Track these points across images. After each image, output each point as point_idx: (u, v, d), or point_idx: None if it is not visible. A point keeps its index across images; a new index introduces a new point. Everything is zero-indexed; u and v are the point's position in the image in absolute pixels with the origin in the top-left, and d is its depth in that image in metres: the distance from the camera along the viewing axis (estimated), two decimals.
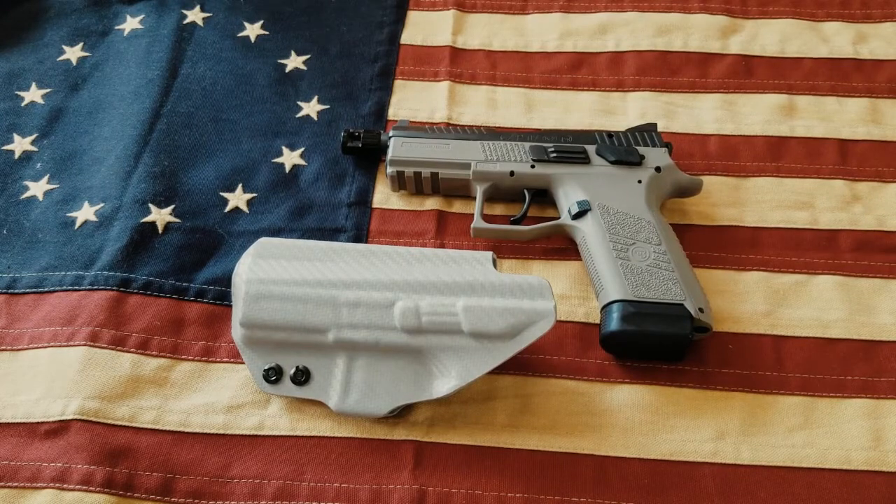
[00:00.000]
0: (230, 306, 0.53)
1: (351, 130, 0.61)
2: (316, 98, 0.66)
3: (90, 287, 0.54)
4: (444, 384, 0.46)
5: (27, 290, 0.55)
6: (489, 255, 0.49)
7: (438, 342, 0.46)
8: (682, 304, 0.49)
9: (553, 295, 0.47)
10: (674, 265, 0.50)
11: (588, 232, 0.52)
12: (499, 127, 0.63)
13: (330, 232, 0.58)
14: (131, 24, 0.71)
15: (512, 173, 0.56)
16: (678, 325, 0.48)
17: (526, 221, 0.56)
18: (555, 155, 0.56)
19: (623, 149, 0.56)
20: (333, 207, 0.59)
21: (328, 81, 0.67)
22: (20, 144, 0.64)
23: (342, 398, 0.47)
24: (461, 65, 0.68)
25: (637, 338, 0.48)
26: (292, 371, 0.48)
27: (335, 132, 0.63)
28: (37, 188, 0.61)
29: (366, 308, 0.47)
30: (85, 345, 0.51)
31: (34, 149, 0.64)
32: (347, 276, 0.48)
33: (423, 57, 0.68)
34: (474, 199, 0.57)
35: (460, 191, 0.58)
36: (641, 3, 0.72)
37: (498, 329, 0.46)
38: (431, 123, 0.64)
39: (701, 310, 0.49)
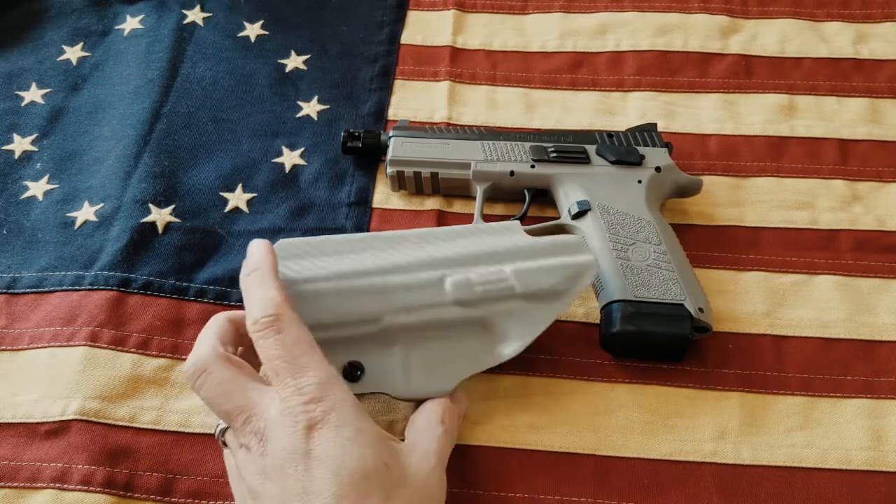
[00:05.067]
0: (230, 306, 0.53)
1: (351, 130, 0.61)
2: (316, 98, 0.66)
3: (90, 287, 0.54)
4: (506, 348, 0.46)
5: (27, 290, 0.55)
6: (517, 223, 0.49)
7: (496, 309, 0.46)
8: (681, 304, 0.49)
9: (589, 250, 0.48)
10: (674, 265, 0.50)
11: (588, 232, 0.53)
12: (499, 127, 0.63)
13: (330, 232, 0.58)
14: (131, 24, 0.71)
15: (512, 173, 0.56)
16: (678, 325, 0.48)
17: (526, 221, 0.56)
18: (555, 155, 0.56)
19: (623, 149, 0.56)
20: (333, 207, 0.59)
21: (328, 81, 0.67)
22: (20, 144, 0.64)
23: (404, 383, 0.46)
24: (461, 65, 0.68)
25: (637, 338, 0.49)
26: (343, 368, 0.45)
27: (335, 132, 0.63)
28: (37, 188, 0.61)
29: (417, 289, 0.46)
30: (85, 345, 0.51)
31: (34, 149, 0.64)
32: (387, 262, 0.47)
33: (423, 57, 0.69)
34: (474, 199, 0.57)
35: (460, 191, 0.59)
36: (641, 3, 0.72)
37: (551, 285, 0.47)
38: (431, 123, 0.64)
39: (701, 310, 0.49)
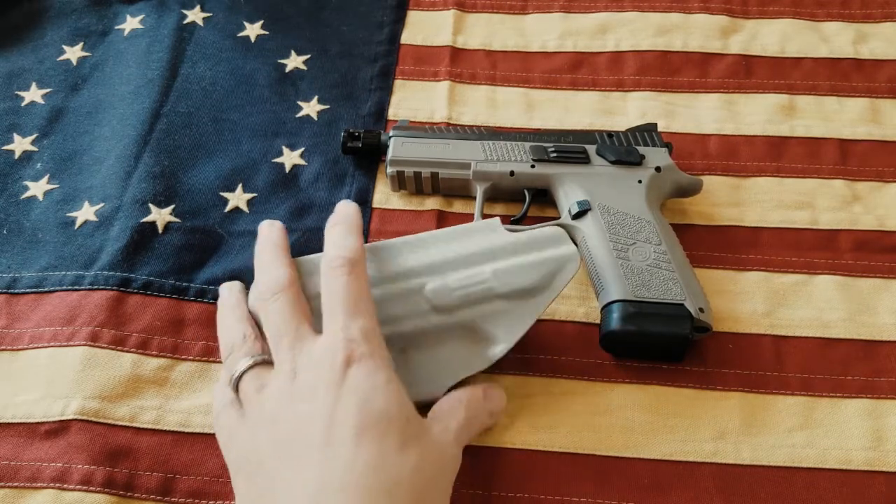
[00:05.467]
0: None
1: (351, 130, 0.61)
2: (316, 98, 0.66)
3: (90, 287, 0.54)
4: (493, 349, 0.46)
5: (27, 290, 0.55)
6: (496, 220, 0.49)
7: (477, 312, 0.46)
8: (682, 304, 0.49)
9: (571, 240, 0.48)
10: (674, 265, 0.50)
11: (588, 232, 0.53)
12: (499, 127, 0.63)
13: None
14: (131, 23, 0.71)
15: (512, 173, 0.56)
16: (678, 325, 0.48)
17: (526, 221, 0.56)
18: (555, 155, 0.56)
19: (623, 149, 0.56)
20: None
21: (328, 81, 0.67)
22: (20, 144, 0.64)
23: None
24: (461, 65, 0.68)
25: (637, 338, 0.49)
26: None
27: (335, 132, 0.63)
28: (37, 188, 0.61)
29: (396, 301, 0.46)
30: (85, 345, 0.51)
31: (34, 149, 0.64)
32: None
33: (423, 57, 0.69)
34: (474, 199, 0.58)
35: (460, 191, 0.59)
36: (641, 3, 0.72)
37: (532, 282, 0.46)
38: (431, 123, 0.64)
39: (701, 310, 0.49)
